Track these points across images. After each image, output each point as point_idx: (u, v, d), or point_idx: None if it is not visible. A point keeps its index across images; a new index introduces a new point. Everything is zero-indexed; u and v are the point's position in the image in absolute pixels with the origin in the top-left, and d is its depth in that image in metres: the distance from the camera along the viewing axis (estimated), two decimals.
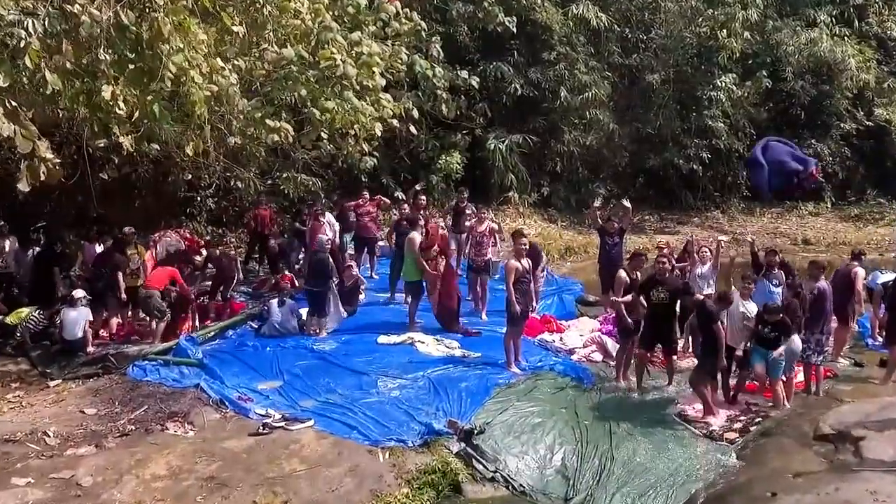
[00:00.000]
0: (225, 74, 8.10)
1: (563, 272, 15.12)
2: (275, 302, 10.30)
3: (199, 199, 15.27)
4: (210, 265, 12.21)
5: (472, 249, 11.47)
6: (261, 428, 7.07)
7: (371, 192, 18.76)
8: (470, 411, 7.61)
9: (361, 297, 11.88)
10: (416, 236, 10.47)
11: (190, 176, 13.12)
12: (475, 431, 7.18)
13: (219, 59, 8.05)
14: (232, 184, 14.80)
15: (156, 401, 7.72)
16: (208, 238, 15.21)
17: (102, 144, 9.55)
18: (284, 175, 15.16)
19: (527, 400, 7.99)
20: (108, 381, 8.37)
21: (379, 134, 9.68)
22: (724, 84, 21.10)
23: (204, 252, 13.85)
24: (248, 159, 13.56)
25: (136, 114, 7.69)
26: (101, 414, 7.51)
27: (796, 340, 8.10)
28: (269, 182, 15.54)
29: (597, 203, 12.64)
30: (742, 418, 7.73)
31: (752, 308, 8.28)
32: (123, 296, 10.17)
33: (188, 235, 13.76)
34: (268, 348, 9.47)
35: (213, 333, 10.19)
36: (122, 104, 7.44)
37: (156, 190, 14.38)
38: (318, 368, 8.77)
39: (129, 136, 8.06)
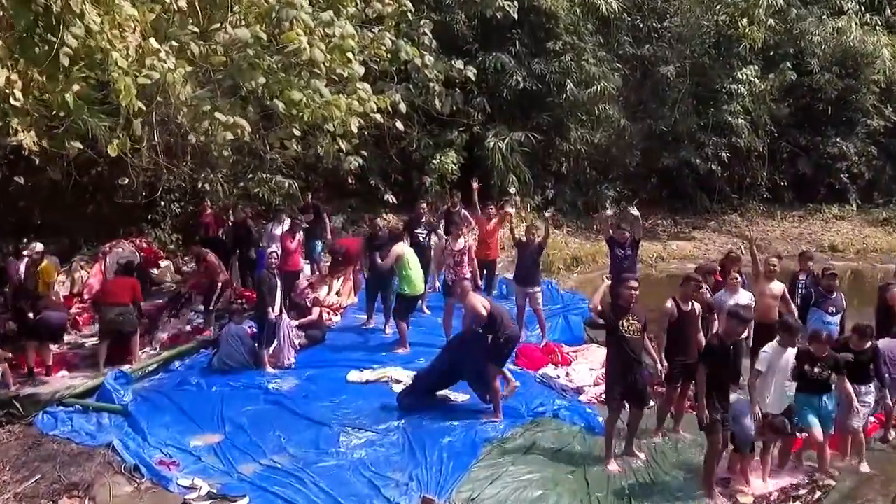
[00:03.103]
0: (161, 58, 6.66)
1: (570, 286, 13.44)
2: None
3: (162, 203, 13.69)
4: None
5: (448, 270, 9.92)
6: None
7: (359, 194, 17.50)
8: (452, 480, 6.01)
9: (336, 318, 10.34)
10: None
11: (134, 177, 11.56)
12: None
13: (152, 40, 6.60)
14: (199, 186, 13.35)
15: (55, 466, 6.14)
16: (172, 247, 13.71)
17: (15, 143, 8.09)
18: (256, 177, 13.71)
19: (524, 463, 6.37)
20: (6, 435, 6.78)
21: (356, 130, 8.27)
22: (745, 77, 19.47)
23: (162, 264, 12.42)
24: (216, 160, 12.19)
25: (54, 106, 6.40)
26: None
27: (872, 391, 6.45)
28: (241, 185, 14.12)
29: (609, 212, 10.88)
30: (801, 492, 6.06)
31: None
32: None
33: (145, 245, 12.25)
34: (214, 388, 7.90)
35: (154, 366, 8.62)
36: (18, 92, 6.13)
37: (111, 194, 12.80)
38: (270, 416, 7.20)
39: (32, 131, 6.64)
